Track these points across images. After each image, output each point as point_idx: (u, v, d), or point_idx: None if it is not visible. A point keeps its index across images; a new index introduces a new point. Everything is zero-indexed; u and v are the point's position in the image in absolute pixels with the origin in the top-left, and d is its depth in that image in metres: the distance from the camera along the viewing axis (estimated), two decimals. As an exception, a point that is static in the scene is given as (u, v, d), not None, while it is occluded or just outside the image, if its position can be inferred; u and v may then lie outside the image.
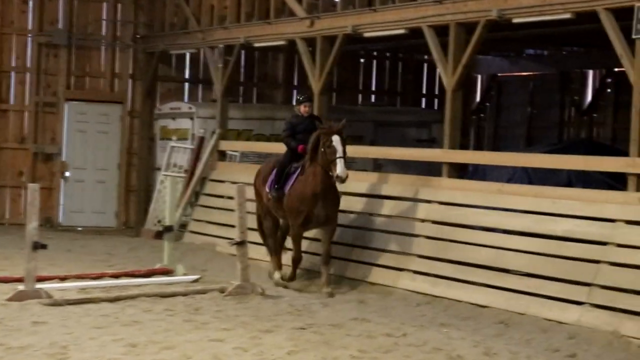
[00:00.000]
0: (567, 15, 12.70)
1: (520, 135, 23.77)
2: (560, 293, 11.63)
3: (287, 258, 14.41)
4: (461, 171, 14.56)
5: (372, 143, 20.43)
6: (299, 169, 13.78)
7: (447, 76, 14.15)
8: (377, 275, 14.00)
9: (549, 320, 11.45)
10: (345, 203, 14.47)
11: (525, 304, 11.93)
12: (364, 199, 15.09)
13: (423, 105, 24.49)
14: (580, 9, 12.50)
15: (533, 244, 12.35)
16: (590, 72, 22.63)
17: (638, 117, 11.62)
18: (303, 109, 14.13)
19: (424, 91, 24.55)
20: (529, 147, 21.25)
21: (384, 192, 14.81)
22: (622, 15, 11.89)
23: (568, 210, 12.17)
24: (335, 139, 13.23)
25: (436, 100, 24.20)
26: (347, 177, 13.11)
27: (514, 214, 12.91)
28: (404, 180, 14.81)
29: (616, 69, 20.05)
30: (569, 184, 13.74)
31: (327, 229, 13.75)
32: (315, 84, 16.74)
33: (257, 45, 19.02)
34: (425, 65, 24.17)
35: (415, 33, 14.97)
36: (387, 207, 14.67)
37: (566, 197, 12.38)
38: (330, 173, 13.25)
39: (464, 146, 16.72)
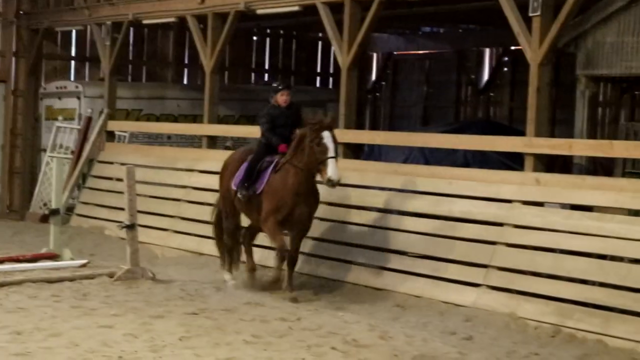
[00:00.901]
0: (465, -8, 12.70)
1: (416, 114, 23.79)
2: (457, 275, 11.65)
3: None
4: (357, 151, 14.42)
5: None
6: (273, 165, 12.14)
7: (342, 54, 14.06)
8: (271, 259, 13.72)
9: (446, 302, 11.45)
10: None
11: (421, 286, 11.91)
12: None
13: (317, 84, 24.43)
14: (477, -14, 12.50)
15: (429, 225, 12.32)
16: (487, 51, 22.72)
17: (535, 96, 11.67)
18: (281, 98, 12.37)
19: (319, 70, 24.53)
20: (426, 126, 21.24)
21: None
22: (519, -7, 11.88)
23: (464, 191, 12.18)
24: (326, 135, 11.58)
25: (331, 79, 24.14)
26: (339, 180, 11.61)
27: (410, 195, 12.84)
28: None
29: (513, 47, 20.10)
30: (465, 164, 13.72)
31: (301, 230, 12.22)
32: (207, 62, 16.55)
33: (146, 22, 18.76)
34: (320, 43, 24.12)
35: (310, 10, 14.85)
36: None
37: (463, 178, 12.39)
38: (320, 175, 11.64)
39: (359, 126, 16.64)
